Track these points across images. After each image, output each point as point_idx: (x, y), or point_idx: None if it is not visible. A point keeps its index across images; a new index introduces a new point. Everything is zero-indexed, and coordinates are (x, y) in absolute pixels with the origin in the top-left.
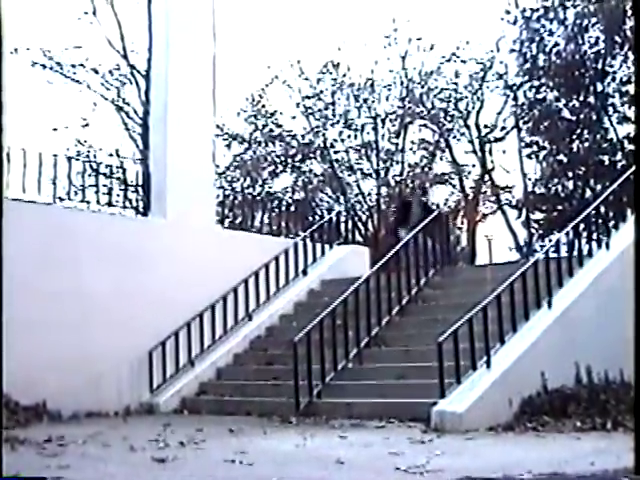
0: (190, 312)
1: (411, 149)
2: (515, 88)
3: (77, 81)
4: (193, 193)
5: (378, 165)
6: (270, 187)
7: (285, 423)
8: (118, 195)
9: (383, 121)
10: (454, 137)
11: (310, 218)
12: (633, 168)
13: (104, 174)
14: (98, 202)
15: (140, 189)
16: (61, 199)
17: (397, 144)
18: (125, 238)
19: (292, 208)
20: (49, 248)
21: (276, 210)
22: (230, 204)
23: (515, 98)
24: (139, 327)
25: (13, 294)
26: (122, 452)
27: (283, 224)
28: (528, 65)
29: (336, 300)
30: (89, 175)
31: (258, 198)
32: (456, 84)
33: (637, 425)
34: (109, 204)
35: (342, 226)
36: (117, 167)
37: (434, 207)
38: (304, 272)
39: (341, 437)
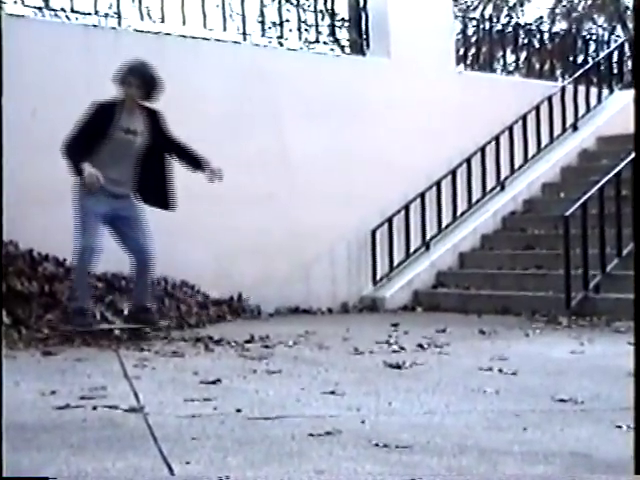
0: (423, 180)
1: None
2: None
3: None
4: (424, 25)
5: None
6: (520, 16)
7: (552, 324)
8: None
9: None
10: None
11: (577, 57)
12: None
13: (303, 7)
14: (299, 40)
15: (351, 23)
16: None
17: None
18: (337, 84)
19: (552, 43)
20: (241, 100)
21: (530, 47)
22: (469, 39)
23: None
24: (358, 200)
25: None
26: (344, 355)
27: (540, 65)
28: None
29: (621, 163)
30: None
31: (505, 31)
32: None
33: (637, 425)
34: (315, 41)
35: (624, 66)
36: None
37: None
38: (574, 127)
39: (631, 344)
